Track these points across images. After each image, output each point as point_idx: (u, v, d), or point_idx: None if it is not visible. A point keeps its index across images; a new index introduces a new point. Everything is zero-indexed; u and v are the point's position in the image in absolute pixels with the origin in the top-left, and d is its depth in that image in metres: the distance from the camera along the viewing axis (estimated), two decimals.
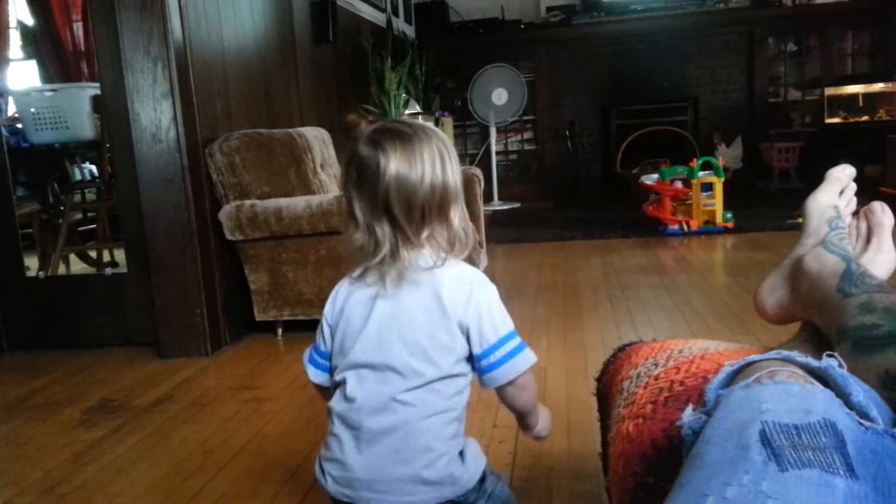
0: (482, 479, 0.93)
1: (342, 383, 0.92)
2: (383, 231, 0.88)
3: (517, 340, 0.92)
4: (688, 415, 0.61)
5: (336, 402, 0.93)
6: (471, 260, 0.96)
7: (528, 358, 0.92)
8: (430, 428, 0.88)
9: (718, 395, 0.60)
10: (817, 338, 0.88)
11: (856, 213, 1.04)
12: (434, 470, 0.87)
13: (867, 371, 0.67)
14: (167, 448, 1.77)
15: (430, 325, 0.88)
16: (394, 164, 0.86)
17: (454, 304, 0.88)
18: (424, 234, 0.89)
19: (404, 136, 0.88)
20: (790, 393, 0.54)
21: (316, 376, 1.00)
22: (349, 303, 0.93)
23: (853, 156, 4.85)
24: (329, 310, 0.96)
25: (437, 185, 0.88)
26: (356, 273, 0.94)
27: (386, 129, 0.89)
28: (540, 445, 1.62)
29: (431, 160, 0.88)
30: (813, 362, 0.60)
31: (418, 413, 0.88)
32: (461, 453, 0.91)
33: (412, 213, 0.88)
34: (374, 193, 0.87)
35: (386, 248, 0.88)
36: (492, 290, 0.92)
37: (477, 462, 0.93)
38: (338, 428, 0.91)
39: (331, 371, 0.97)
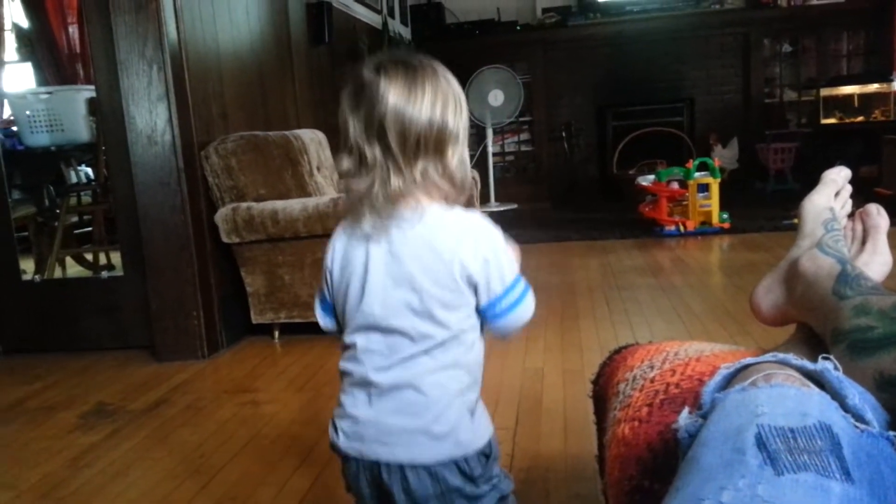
0: (487, 456, 0.90)
1: (352, 346, 0.91)
2: (374, 155, 0.85)
3: (521, 286, 0.90)
4: (684, 418, 0.61)
5: (347, 363, 0.92)
6: None
7: (530, 306, 0.91)
8: (439, 383, 0.87)
9: (714, 399, 0.60)
10: (813, 340, 0.88)
11: (851, 215, 1.04)
12: (442, 423, 0.86)
13: (862, 373, 0.67)
14: (164, 452, 1.77)
15: (434, 284, 0.86)
16: (393, 91, 0.84)
17: (460, 258, 0.86)
18: (419, 167, 0.86)
19: (409, 66, 0.87)
20: (786, 396, 0.54)
21: (327, 323, 0.99)
22: (348, 255, 0.91)
23: (849, 156, 4.87)
24: (329, 262, 0.94)
25: (434, 120, 0.86)
26: (350, 217, 0.91)
27: (393, 57, 0.87)
28: (537, 448, 1.62)
29: (433, 95, 0.86)
30: (808, 365, 0.60)
31: (427, 369, 0.87)
32: (472, 413, 0.90)
33: (406, 143, 0.85)
34: (370, 118, 0.85)
35: (376, 174, 0.85)
36: (496, 237, 0.89)
37: (485, 425, 0.91)
38: (349, 386, 0.91)
39: (340, 329, 0.96)
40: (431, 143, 0.86)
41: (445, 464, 0.86)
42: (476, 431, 0.89)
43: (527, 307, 0.90)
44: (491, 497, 0.90)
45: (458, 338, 0.88)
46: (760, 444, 0.49)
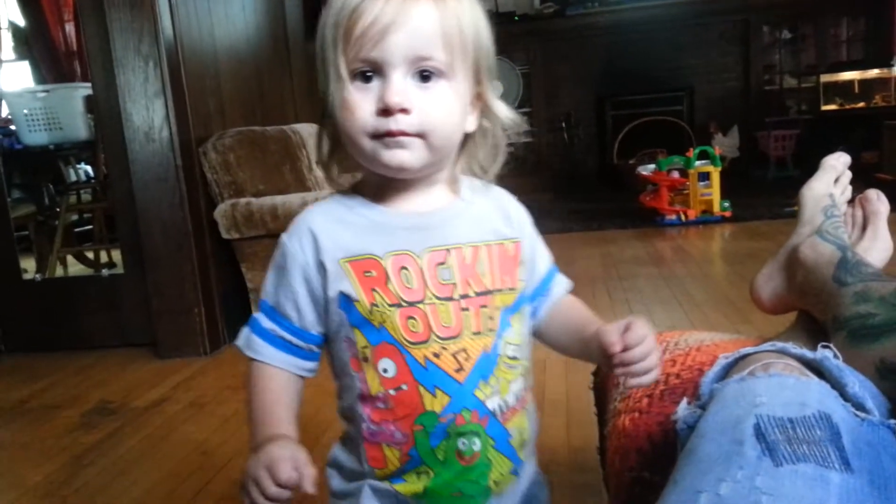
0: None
1: None
2: None
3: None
4: (682, 409, 0.61)
5: None
6: None
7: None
8: None
9: (713, 389, 0.60)
10: (814, 328, 0.88)
11: (851, 202, 1.03)
12: None
13: (863, 361, 0.67)
14: (166, 449, 1.77)
15: None
16: None
17: None
18: None
19: None
20: (785, 385, 0.54)
21: None
22: None
23: (850, 142, 4.85)
24: None
25: None
26: None
27: None
28: (540, 439, 1.61)
29: None
30: (808, 354, 0.60)
31: None
32: None
33: None
34: None
35: None
36: None
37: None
38: None
39: None
40: None
41: None
42: None
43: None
44: None
45: None
46: (759, 434, 0.49)
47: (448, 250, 0.64)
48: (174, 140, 2.40)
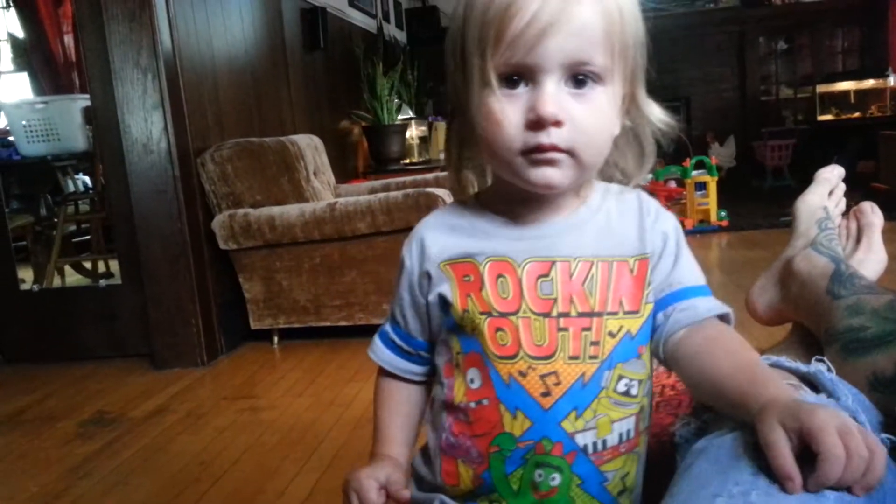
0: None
1: None
2: None
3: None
4: (680, 422, 0.61)
5: None
6: None
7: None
8: None
9: None
10: (809, 339, 0.88)
11: (846, 214, 1.04)
12: None
13: (856, 374, 0.67)
14: (163, 460, 1.76)
15: None
16: None
17: None
18: None
19: None
20: None
21: None
22: None
23: (846, 152, 4.88)
24: None
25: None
26: None
27: None
28: None
29: None
30: (802, 367, 0.60)
31: None
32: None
33: None
34: None
35: None
36: None
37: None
38: None
39: None
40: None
41: None
42: None
43: None
44: None
45: None
46: (755, 449, 0.49)
47: (553, 262, 0.58)
48: (172, 151, 2.41)
